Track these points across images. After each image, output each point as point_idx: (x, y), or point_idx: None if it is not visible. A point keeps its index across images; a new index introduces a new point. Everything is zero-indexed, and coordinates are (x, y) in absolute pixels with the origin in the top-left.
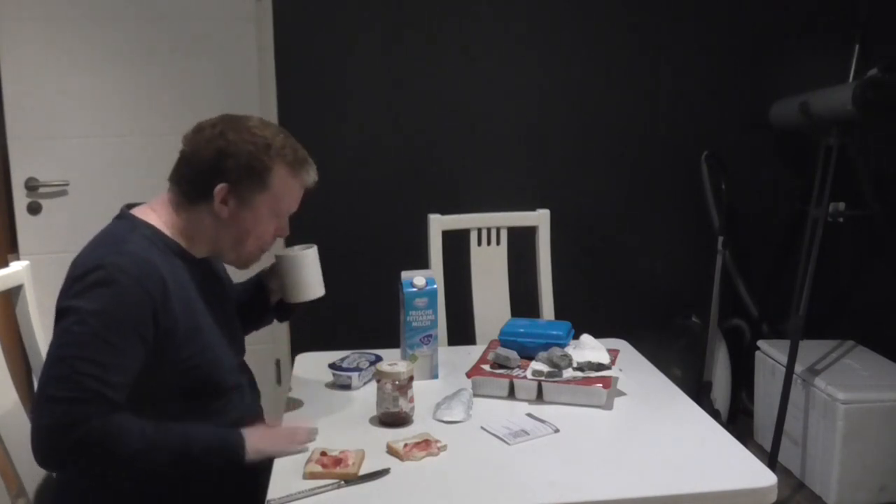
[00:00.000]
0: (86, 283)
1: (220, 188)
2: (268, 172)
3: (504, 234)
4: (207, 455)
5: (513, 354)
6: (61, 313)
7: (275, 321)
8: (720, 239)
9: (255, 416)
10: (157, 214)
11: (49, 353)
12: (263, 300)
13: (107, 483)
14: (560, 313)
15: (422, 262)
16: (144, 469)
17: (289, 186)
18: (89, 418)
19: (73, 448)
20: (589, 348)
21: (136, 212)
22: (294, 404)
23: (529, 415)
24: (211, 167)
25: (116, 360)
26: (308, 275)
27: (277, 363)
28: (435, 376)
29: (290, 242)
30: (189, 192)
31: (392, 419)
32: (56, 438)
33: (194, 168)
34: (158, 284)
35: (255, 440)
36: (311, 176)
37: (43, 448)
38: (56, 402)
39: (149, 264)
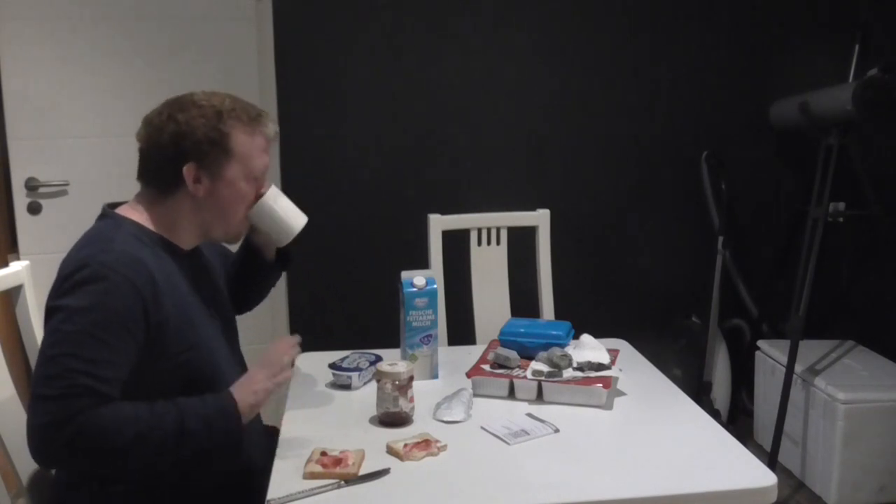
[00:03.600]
0: (73, 281)
1: (188, 168)
2: (227, 139)
3: (504, 234)
4: (205, 426)
5: (513, 354)
6: (50, 313)
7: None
8: (720, 239)
9: None
10: (138, 212)
11: (40, 353)
12: (258, 260)
13: (107, 480)
14: (560, 313)
15: (422, 262)
16: (143, 454)
17: (252, 145)
18: (82, 413)
19: (69, 444)
20: (589, 348)
21: (119, 211)
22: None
23: (529, 415)
24: (172, 153)
25: (107, 356)
26: (282, 212)
27: None
28: (435, 376)
29: (291, 242)
30: (160, 185)
31: (392, 419)
32: (52, 436)
33: (156, 160)
34: (147, 280)
35: (244, 396)
36: (270, 128)
37: (40, 447)
38: (49, 400)
39: (136, 261)
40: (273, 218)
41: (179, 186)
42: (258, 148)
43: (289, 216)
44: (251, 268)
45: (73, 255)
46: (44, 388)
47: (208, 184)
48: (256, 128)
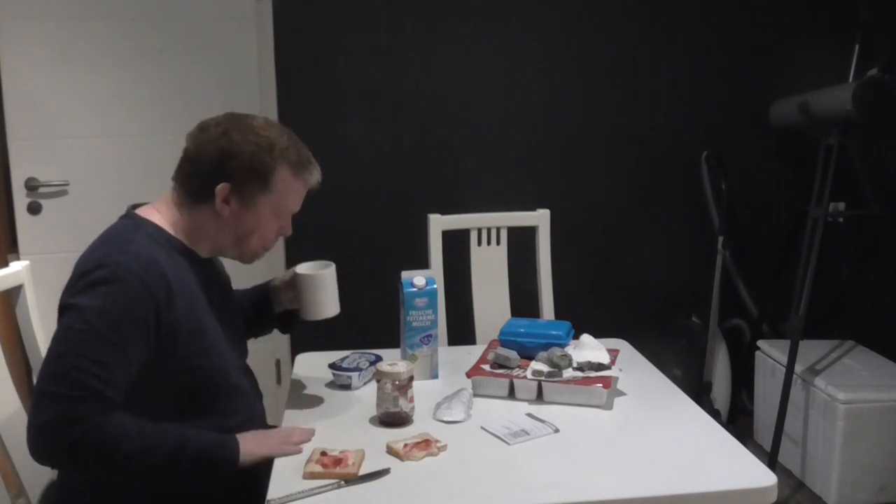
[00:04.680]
0: (89, 280)
1: (221, 188)
2: (271, 173)
3: (504, 234)
4: (201, 458)
5: (513, 354)
6: (63, 310)
7: (275, 331)
8: (720, 239)
9: (256, 417)
10: (160, 214)
11: (49, 350)
12: (267, 310)
13: (102, 481)
14: (560, 313)
15: (422, 262)
16: (140, 469)
17: (292, 187)
18: (88, 416)
19: (70, 445)
20: (589, 348)
21: (140, 211)
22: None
23: (529, 415)
24: (214, 167)
25: (116, 359)
26: (326, 294)
27: (277, 363)
28: (435, 376)
29: (290, 242)
30: (193, 192)
31: (392, 419)
32: (53, 435)
33: (198, 167)
34: (162, 283)
35: (249, 444)
36: (315, 177)
37: (39, 444)
38: (54, 398)
39: (152, 263)
40: (316, 293)
41: (207, 199)
42: (296, 191)
43: (329, 301)
44: (257, 310)
45: (90, 253)
46: (49, 386)
47: (236, 207)
48: (302, 172)
